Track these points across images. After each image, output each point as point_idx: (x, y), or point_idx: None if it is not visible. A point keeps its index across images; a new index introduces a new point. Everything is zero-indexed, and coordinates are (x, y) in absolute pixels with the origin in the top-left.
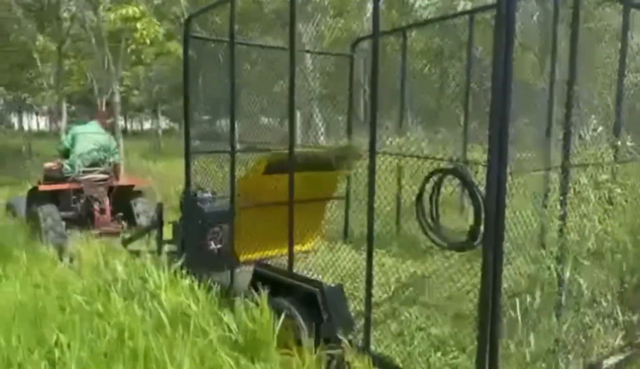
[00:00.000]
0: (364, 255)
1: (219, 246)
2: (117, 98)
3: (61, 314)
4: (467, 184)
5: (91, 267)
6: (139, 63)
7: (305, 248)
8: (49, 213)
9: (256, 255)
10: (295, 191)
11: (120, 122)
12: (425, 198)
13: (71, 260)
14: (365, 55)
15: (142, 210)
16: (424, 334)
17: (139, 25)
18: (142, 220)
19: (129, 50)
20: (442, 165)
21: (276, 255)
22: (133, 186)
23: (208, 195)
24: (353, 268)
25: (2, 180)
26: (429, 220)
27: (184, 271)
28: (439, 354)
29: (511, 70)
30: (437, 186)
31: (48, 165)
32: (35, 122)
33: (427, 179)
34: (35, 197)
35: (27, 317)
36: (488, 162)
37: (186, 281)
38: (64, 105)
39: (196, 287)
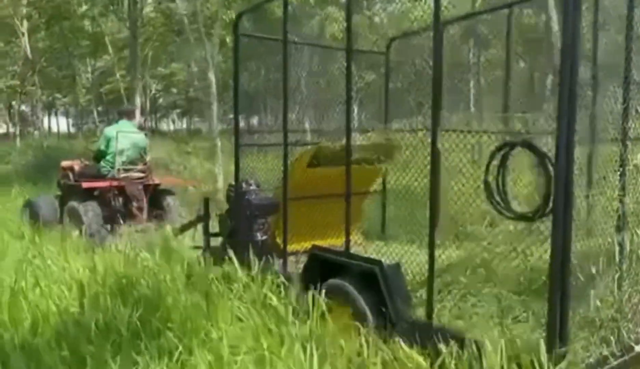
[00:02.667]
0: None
1: (264, 237)
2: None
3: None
4: (538, 155)
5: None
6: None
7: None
8: (89, 208)
9: (298, 247)
10: (336, 185)
11: (148, 122)
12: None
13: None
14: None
15: (174, 207)
16: (485, 305)
17: None
18: (174, 217)
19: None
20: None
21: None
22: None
23: (254, 187)
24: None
25: None
26: (497, 194)
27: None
28: (507, 321)
29: (579, 37)
30: (504, 159)
31: (66, 163)
32: (63, 124)
33: (495, 153)
34: (72, 195)
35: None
36: (557, 130)
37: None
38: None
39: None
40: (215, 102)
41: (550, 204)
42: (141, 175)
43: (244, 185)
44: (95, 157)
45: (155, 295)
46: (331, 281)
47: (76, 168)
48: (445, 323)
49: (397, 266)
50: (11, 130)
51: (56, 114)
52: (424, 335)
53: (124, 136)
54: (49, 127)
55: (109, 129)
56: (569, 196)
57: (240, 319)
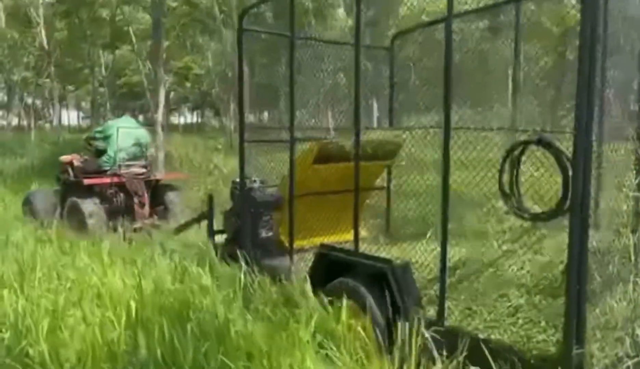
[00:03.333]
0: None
1: (269, 234)
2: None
3: None
4: (555, 153)
5: None
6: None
7: (348, 237)
8: (90, 204)
9: (303, 243)
10: (341, 181)
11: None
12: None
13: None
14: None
15: (177, 203)
16: (497, 304)
17: None
18: (176, 213)
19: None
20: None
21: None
22: (161, 180)
23: (258, 184)
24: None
25: None
26: (510, 193)
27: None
28: (519, 322)
29: (597, 37)
30: (518, 158)
31: (66, 158)
32: (73, 117)
33: (510, 151)
34: (72, 191)
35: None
36: (575, 130)
37: None
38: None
39: None
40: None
41: (567, 204)
42: (142, 170)
43: (248, 182)
44: (96, 152)
45: (216, 321)
46: (340, 280)
47: (75, 163)
48: (456, 322)
49: (407, 265)
50: (22, 122)
51: (67, 107)
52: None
53: (125, 132)
54: (60, 120)
55: (110, 124)
56: (586, 196)
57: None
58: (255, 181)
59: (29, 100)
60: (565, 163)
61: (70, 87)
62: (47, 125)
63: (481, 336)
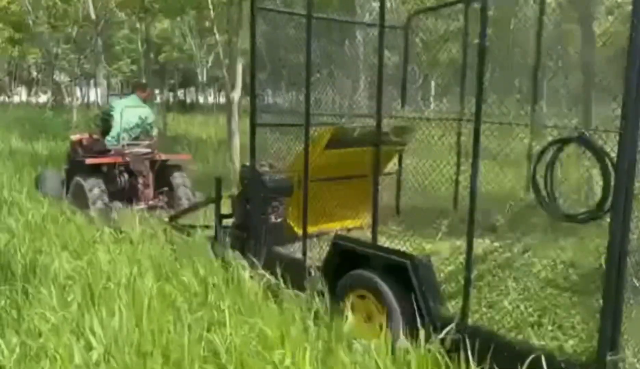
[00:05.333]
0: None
1: (279, 219)
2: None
3: None
4: (596, 152)
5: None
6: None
7: (359, 223)
8: (95, 184)
9: (313, 229)
10: (353, 166)
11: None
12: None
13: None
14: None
15: (182, 183)
16: (520, 303)
17: None
18: (182, 194)
19: None
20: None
21: (331, 230)
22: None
23: (266, 168)
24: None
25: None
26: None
27: None
28: (546, 322)
29: None
30: (555, 156)
31: (75, 137)
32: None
33: (546, 149)
34: (77, 170)
35: None
36: (621, 128)
37: None
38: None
39: None
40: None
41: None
42: (147, 150)
43: (257, 166)
44: (102, 131)
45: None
46: (357, 272)
47: (85, 142)
48: (479, 321)
49: (429, 260)
50: (45, 99)
51: (96, 85)
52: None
53: (130, 111)
54: (88, 99)
55: (115, 103)
56: (630, 199)
57: None
58: (264, 165)
59: (61, 77)
60: (607, 163)
61: (104, 64)
62: (77, 103)
63: (507, 337)
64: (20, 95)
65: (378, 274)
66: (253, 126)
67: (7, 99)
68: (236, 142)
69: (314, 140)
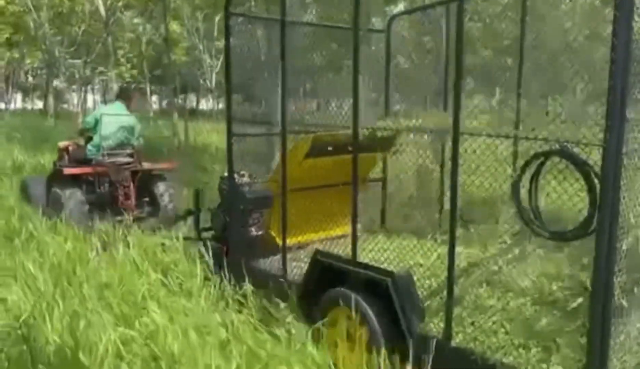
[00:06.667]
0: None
1: (260, 232)
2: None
3: None
4: (579, 167)
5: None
6: None
7: (342, 232)
8: (71, 195)
9: (294, 241)
10: (332, 174)
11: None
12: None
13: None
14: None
15: (166, 194)
16: (507, 322)
17: None
18: (167, 205)
19: None
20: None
21: (315, 240)
22: (153, 170)
23: (246, 179)
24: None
25: None
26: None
27: None
28: (534, 349)
29: (630, 41)
30: (538, 170)
31: (62, 144)
32: (92, 101)
33: (528, 163)
34: (56, 179)
35: None
36: (605, 142)
37: None
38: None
39: None
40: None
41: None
42: (128, 160)
43: (237, 177)
44: (86, 140)
45: None
46: (336, 290)
47: (70, 150)
48: (463, 342)
49: (410, 276)
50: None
51: (93, 91)
52: (441, 357)
53: (111, 119)
54: (85, 105)
55: (96, 111)
56: (615, 216)
57: None
58: (244, 175)
59: (57, 83)
60: (593, 179)
61: (102, 69)
62: (72, 110)
63: (492, 359)
64: (15, 101)
65: (358, 292)
66: (230, 136)
67: (3, 106)
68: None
69: (293, 149)
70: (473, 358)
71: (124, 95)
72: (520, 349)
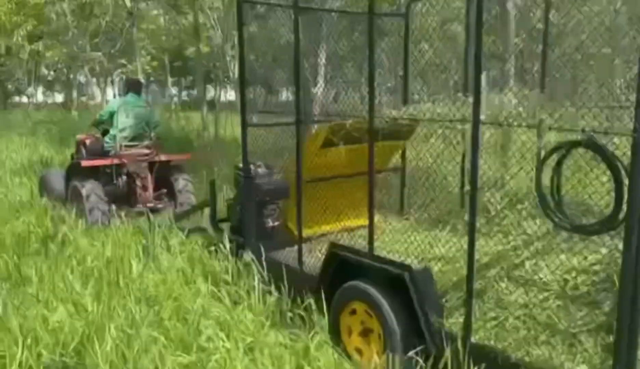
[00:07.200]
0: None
1: (276, 223)
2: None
3: None
4: (606, 158)
5: None
6: None
7: (361, 222)
8: (92, 189)
9: (312, 232)
10: (352, 164)
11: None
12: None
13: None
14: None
15: (183, 185)
16: (530, 318)
17: None
18: (184, 197)
19: None
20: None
21: (332, 231)
22: (171, 161)
23: (263, 170)
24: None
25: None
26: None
27: None
28: (558, 346)
29: None
30: (561, 161)
31: (80, 137)
32: (113, 94)
33: (551, 153)
34: (75, 172)
35: None
36: (634, 131)
37: None
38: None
39: None
40: None
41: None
42: (146, 151)
43: (253, 168)
44: (103, 132)
45: None
46: (352, 283)
47: (88, 142)
48: (483, 338)
49: (429, 270)
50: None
51: (112, 83)
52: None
53: (127, 110)
54: (105, 98)
55: (112, 102)
56: None
57: None
58: (260, 166)
59: (78, 76)
60: (620, 171)
61: (123, 61)
62: (91, 103)
63: (514, 356)
64: (37, 95)
65: (375, 286)
66: (244, 126)
67: (27, 100)
68: None
69: (310, 139)
70: (493, 355)
71: (134, 86)
72: (543, 347)
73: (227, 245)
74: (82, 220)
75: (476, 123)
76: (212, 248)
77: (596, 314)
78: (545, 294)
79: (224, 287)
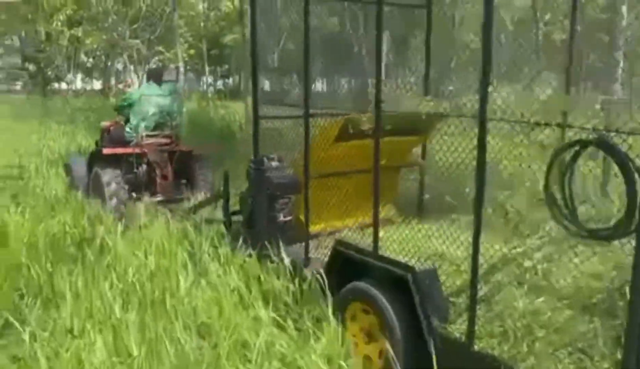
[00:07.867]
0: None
1: (288, 218)
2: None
3: None
4: (617, 159)
5: None
6: None
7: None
8: (112, 178)
9: (323, 226)
10: (367, 159)
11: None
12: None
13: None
14: None
15: (202, 175)
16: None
17: None
18: (202, 186)
19: None
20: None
21: (345, 226)
22: (191, 151)
23: (276, 163)
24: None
25: None
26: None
27: None
28: (566, 359)
29: None
30: (572, 162)
31: (105, 124)
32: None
33: (559, 153)
34: (97, 159)
35: None
36: None
37: None
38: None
39: None
40: None
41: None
42: (166, 141)
43: (265, 161)
44: (125, 120)
45: None
46: (356, 284)
47: (112, 130)
48: (487, 348)
49: (434, 271)
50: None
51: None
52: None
53: (148, 100)
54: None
55: (133, 92)
56: None
57: None
58: (273, 159)
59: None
60: (633, 173)
61: (161, 49)
62: (129, 90)
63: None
64: (76, 82)
65: (378, 286)
66: (256, 118)
67: (66, 86)
68: None
69: (323, 132)
70: (496, 364)
71: (154, 75)
72: (552, 358)
73: (287, 259)
74: (121, 223)
75: (482, 121)
76: (267, 259)
77: (609, 325)
78: (557, 302)
79: (285, 310)
